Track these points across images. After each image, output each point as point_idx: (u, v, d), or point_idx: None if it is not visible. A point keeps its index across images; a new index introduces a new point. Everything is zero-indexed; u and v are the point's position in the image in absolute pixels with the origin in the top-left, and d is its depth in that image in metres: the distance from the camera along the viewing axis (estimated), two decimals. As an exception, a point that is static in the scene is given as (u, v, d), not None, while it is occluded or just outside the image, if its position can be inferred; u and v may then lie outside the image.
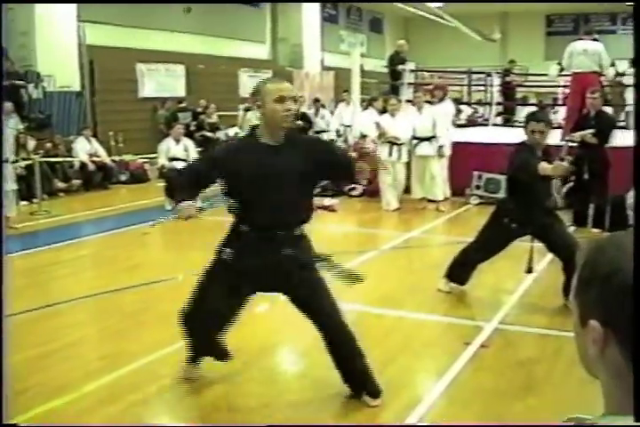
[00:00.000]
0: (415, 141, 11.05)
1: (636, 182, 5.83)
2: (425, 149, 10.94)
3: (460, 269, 6.41)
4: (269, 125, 3.87)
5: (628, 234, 1.08)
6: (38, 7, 14.61)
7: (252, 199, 3.95)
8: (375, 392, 4.22)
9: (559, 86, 13.81)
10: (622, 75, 13.62)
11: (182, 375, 4.48)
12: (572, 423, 1.09)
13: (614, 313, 1.01)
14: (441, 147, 10.95)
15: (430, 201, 11.10)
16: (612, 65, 11.78)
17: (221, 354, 4.50)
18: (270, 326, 5.58)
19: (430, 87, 11.97)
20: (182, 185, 4.17)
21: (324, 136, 16.01)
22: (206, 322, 4.24)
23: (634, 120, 8.81)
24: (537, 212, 5.96)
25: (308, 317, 4.18)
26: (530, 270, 6.29)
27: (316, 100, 17.37)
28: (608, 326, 1.02)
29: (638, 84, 8.71)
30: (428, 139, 10.94)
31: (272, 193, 3.89)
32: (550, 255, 7.73)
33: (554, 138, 11.40)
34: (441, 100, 11.48)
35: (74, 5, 15.32)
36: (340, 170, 4.15)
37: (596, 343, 1.04)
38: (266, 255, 3.97)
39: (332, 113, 16.99)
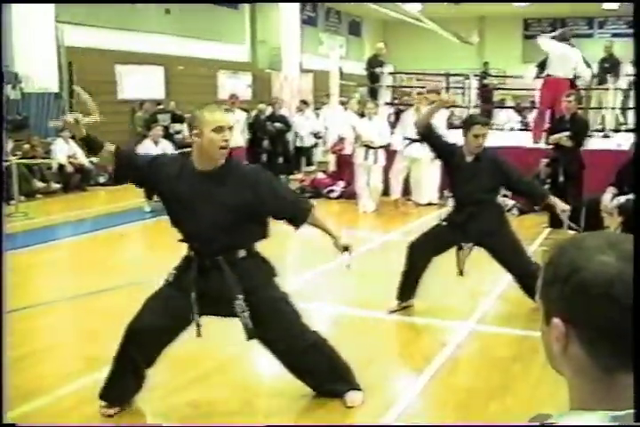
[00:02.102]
0: (406, 142, 11.03)
1: (636, 183, 5.90)
2: (415, 150, 10.93)
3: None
4: (204, 154, 3.80)
5: (591, 235, 1.12)
6: (16, 7, 14.53)
7: (183, 221, 3.98)
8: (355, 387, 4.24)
9: (536, 89, 13.89)
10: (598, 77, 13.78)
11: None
12: (543, 422, 1.12)
13: (575, 311, 1.06)
14: None
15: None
16: (589, 66, 11.91)
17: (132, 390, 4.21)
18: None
19: (424, 90, 12.01)
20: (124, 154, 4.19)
21: (309, 139, 16.06)
22: (140, 339, 4.11)
23: (634, 122, 8.91)
24: (461, 214, 5.83)
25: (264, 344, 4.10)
26: (461, 273, 6.10)
27: (304, 102, 17.37)
28: (569, 323, 1.06)
29: (638, 85, 8.80)
30: (420, 140, 10.95)
31: (201, 219, 3.86)
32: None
33: (530, 141, 11.58)
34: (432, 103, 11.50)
35: (52, 6, 15.23)
36: (279, 215, 4.02)
37: (559, 340, 1.08)
38: (205, 280, 3.89)
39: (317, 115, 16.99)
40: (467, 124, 5.81)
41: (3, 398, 2.91)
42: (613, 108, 13.45)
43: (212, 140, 3.71)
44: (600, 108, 13.79)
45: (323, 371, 4.20)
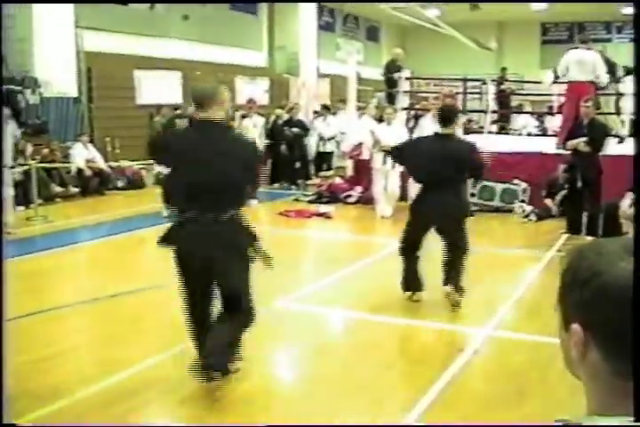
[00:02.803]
0: None
1: (636, 186, 5.88)
2: None
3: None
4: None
5: (610, 240, 1.12)
6: (37, 13, 14.66)
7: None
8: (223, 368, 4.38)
9: (554, 95, 13.87)
10: (618, 82, 13.68)
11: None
12: (562, 423, 1.12)
13: (594, 317, 1.06)
14: None
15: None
16: (611, 73, 11.85)
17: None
18: (266, 332, 5.60)
19: (440, 95, 12.00)
20: None
21: (330, 144, 16.00)
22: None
23: (634, 126, 8.86)
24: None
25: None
26: None
27: (325, 107, 17.33)
28: (588, 329, 1.06)
29: (639, 88, 8.75)
30: None
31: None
32: (544, 263, 7.82)
33: (548, 146, 11.54)
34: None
35: (72, 11, 15.35)
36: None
37: (577, 346, 1.08)
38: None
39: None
40: None
41: (3, 398, 2.93)
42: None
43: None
44: (618, 113, 13.71)
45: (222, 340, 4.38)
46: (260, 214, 11.40)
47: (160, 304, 6.45)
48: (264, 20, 23.72)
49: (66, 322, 6.11)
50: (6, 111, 12.82)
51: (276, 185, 14.87)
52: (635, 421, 1.02)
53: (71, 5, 15.30)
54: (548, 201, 10.71)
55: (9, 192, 9.79)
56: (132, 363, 4.85)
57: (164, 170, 11.35)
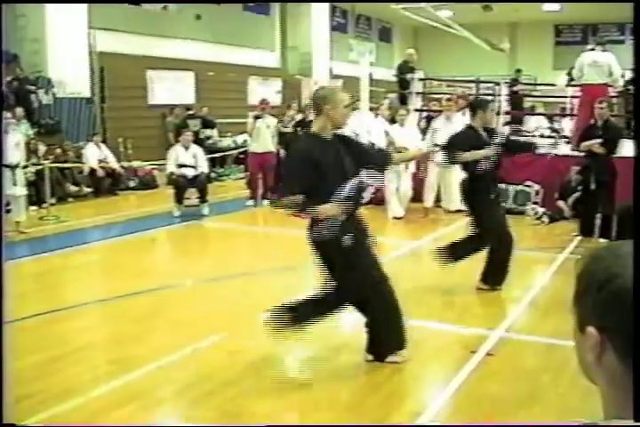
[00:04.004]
0: (437, 149, 11.00)
1: (636, 187, 5.85)
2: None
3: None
4: (335, 125, 4.82)
5: (627, 243, 1.11)
6: (50, 14, 14.72)
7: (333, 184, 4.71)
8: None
9: (567, 97, 13.81)
10: (631, 84, 13.62)
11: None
12: (577, 423, 1.11)
13: (610, 320, 1.05)
14: None
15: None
16: (623, 76, 11.80)
17: None
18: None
19: (454, 97, 11.96)
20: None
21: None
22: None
23: (634, 128, 8.81)
24: None
25: None
26: None
27: None
28: (604, 332, 1.05)
29: (638, 87, 8.71)
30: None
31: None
32: (556, 265, 7.79)
33: (563, 149, 11.50)
34: (462, 109, 11.45)
35: (85, 12, 15.40)
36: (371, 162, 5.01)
37: (594, 350, 1.07)
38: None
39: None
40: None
41: (3, 398, 2.93)
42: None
43: (343, 113, 4.81)
44: (630, 113, 13.64)
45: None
46: (271, 215, 11.41)
47: (171, 304, 6.47)
48: (277, 21, 23.75)
49: (78, 322, 6.12)
50: (19, 111, 12.90)
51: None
52: (635, 421, 1.01)
53: (84, 6, 15.36)
54: (560, 203, 10.66)
55: (21, 192, 9.82)
56: (143, 363, 4.86)
57: (176, 170, 11.46)
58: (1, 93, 8.04)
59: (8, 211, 9.79)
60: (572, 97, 13.12)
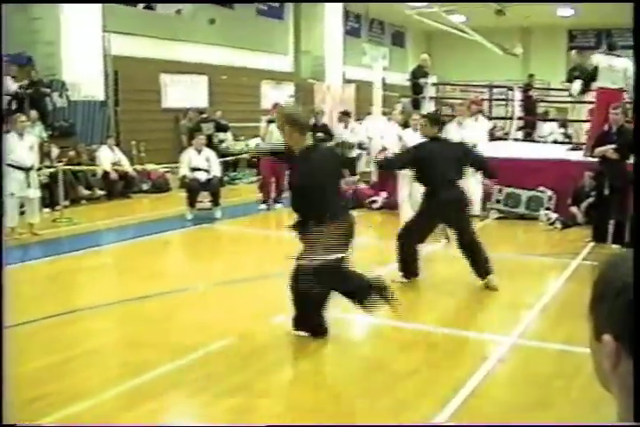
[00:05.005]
0: None
1: (636, 189, 5.84)
2: None
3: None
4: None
5: None
6: (65, 17, 14.79)
7: None
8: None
9: (581, 102, 13.75)
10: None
11: None
12: (587, 423, 1.11)
13: (626, 328, 1.04)
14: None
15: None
16: None
17: None
18: (291, 336, 5.59)
19: (466, 102, 11.94)
20: None
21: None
22: None
23: (634, 132, 8.76)
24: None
25: None
26: None
27: (345, 113, 17.29)
28: (620, 340, 1.05)
29: (637, 89, 8.67)
30: None
31: None
32: (569, 271, 7.76)
33: (576, 154, 11.46)
34: (475, 114, 11.42)
35: (100, 15, 15.47)
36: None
37: (609, 357, 1.07)
38: None
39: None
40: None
41: (3, 398, 2.94)
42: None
43: None
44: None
45: None
46: (283, 218, 11.41)
47: (183, 307, 6.48)
48: (290, 25, 23.79)
49: (90, 324, 6.14)
50: (34, 114, 12.97)
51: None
52: (635, 421, 1.01)
53: (99, 9, 15.43)
54: (573, 209, 10.63)
55: (35, 194, 9.86)
56: (156, 365, 4.86)
57: (189, 173, 11.49)
58: (0, 94, 8.09)
59: (22, 213, 9.85)
60: (587, 102, 13.03)
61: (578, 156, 11.22)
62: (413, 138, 11.08)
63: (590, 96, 12.55)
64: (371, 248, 8.53)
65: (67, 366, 4.95)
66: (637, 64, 7.37)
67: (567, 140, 16.51)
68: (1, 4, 3.89)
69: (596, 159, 9.43)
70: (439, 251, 9.25)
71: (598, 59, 11.24)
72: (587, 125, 12.86)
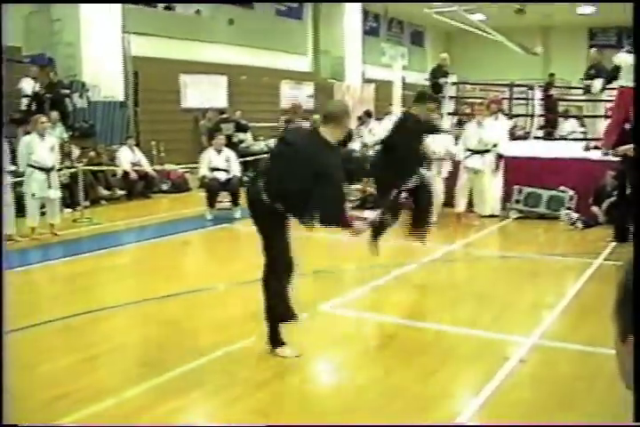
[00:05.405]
0: (468, 153, 10.95)
1: (636, 184, 5.79)
2: (475, 161, 10.85)
3: None
4: None
5: None
6: (85, 18, 14.87)
7: None
8: None
9: (602, 100, 13.66)
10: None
11: None
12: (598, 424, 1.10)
13: None
14: (500, 157, 10.91)
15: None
16: None
17: None
18: (310, 336, 5.59)
19: (486, 101, 11.89)
20: None
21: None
22: None
23: (634, 131, 8.68)
24: None
25: None
26: None
27: (367, 114, 17.25)
28: None
29: (638, 88, 8.57)
30: (481, 152, 10.85)
31: None
32: (591, 271, 7.71)
33: (597, 153, 11.38)
34: (495, 113, 11.37)
35: (119, 16, 15.55)
36: None
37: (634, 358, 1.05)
38: None
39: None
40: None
41: (3, 398, 2.95)
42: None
43: None
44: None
45: None
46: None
47: (203, 307, 6.49)
48: (309, 25, 23.81)
49: (110, 323, 6.16)
50: (54, 115, 13.04)
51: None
52: (635, 421, 1.00)
53: (119, 10, 15.52)
54: (595, 208, 10.55)
55: (55, 194, 9.91)
56: (175, 365, 4.87)
57: (209, 173, 11.52)
58: (1, 94, 8.14)
59: (43, 213, 9.91)
60: (607, 100, 12.95)
61: (599, 155, 11.13)
62: (432, 137, 11.06)
63: (606, 95, 12.50)
64: (389, 248, 8.49)
65: (87, 366, 4.97)
66: (637, 64, 7.31)
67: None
68: (1, 4, 3.91)
69: (617, 158, 9.35)
70: (459, 251, 9.23)
71: (622, 58, 11.14)
72: (603, 123, 12.79)
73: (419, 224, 7.44)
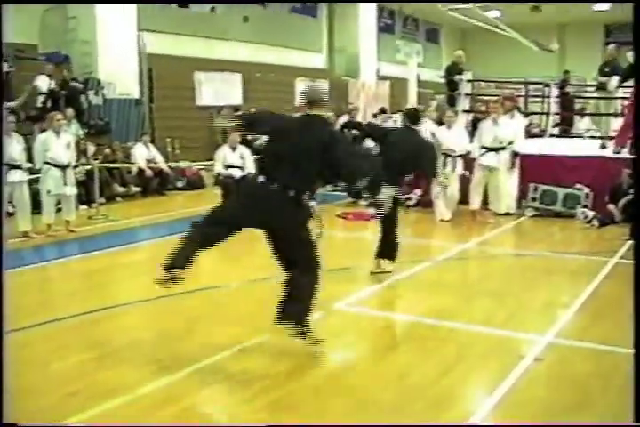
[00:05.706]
0: (482, 151, 10.89)
1: (636, 188, 5.72)
2: (490, 159, 10.80)
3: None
4: None
5: None
6: (100, 16, 14.92)
7: None
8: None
9: (618, 98, 13.57)
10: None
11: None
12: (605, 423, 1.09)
13: None
14: (516, 155, 10.87)
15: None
16: None
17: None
18: (325, 334, 5.58)
19: (500, 98, 11.84)
20: None
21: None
22: None
23: (633, 131, 8.61)
24: None
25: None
26: None
27: (382, 111, 17.20)
28: None
29: (638, 88, 8.51)
30: (496, 150, 10.80)
31: None
32: (607, 270, 7.67)
33: (607, 150, 11.32)
34: (510, 111, 11.31)
35: (134, 14, 15.60)
36: None
37: None
38: None
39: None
40: None
41: (3, 398, 2.96)
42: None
43: None
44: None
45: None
46: (315, 216, 11.38)
47: (217, 304, 6.50)
48: (324, 23, 23.80)
49: (124, 320, 6.18)
50: (70, 112, 13.08)
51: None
52: (635, 421, 0.99)
53: (134, 8, 15.57)
54: (611, 206, 10.49)
55: (71, 191, 9.95)
56: (189, 362, 4.87)
57: (224, 171, 11.52)
58: (1, 89, 8.15)
59: (58, 210, 9.95)
60: (623, 98, 12.86)
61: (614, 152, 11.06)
62: (447, 135, 11.04)
63: (621, 92, 12.41)
64: (404, 246, 8.48)
65: (101, 362, 4.97)
66: (637, 63, 7.26)
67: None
68: (1, 4, 3.91)
69: (633, 156, 9.28)
70: (474, 249, 9.20)
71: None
72: (617, 120, 12.73)
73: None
